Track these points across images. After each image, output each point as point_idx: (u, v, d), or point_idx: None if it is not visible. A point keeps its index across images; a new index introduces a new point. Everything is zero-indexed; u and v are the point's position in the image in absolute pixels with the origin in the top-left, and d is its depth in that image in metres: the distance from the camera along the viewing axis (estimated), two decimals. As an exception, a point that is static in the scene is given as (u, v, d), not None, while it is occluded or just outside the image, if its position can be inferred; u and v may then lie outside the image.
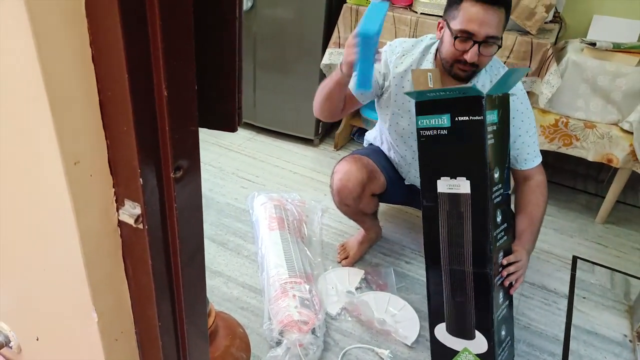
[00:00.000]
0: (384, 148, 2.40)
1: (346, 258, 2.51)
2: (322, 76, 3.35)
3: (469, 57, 1.87)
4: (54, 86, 0.61)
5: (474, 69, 1.93)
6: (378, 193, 2.34)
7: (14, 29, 0.58)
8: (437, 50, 2.03)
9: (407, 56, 2.07)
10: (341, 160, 2.28)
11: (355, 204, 2.25)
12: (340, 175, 2.21)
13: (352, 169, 2.20)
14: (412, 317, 2.22)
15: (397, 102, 2.12)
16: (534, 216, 2.03)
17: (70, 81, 0.63)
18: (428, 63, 2.03)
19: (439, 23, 1.96)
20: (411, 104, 2.06)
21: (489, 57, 1.92)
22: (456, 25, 1.85)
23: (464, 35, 1.85)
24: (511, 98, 1.91)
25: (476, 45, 1.84)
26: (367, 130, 2.62)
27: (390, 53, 2.08)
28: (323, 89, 2.06)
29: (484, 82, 2.02)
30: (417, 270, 2.52)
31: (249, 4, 3.26)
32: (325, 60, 3.22)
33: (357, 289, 2.34)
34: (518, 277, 1.86)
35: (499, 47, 1.90)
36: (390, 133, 2.24)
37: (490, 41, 1.85)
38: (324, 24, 3.19)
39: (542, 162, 2.09)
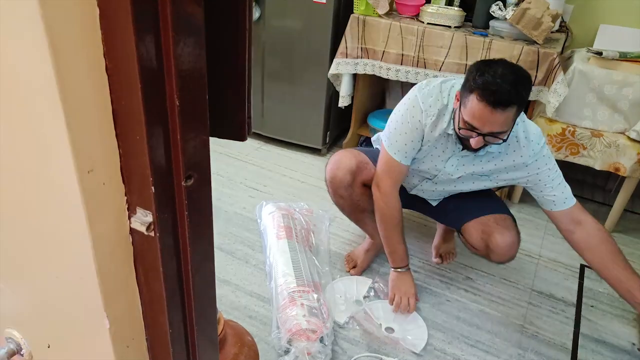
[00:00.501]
0: None
1: (354, 267, 2.52)
2: (330, 86, 3.37)
3: (473, 144, 1.88)
4: (69, 96, 0.62)
5: (484, 147, 1.94)
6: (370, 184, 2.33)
7: (30, 39, 0.59)
8: None
9: (440, 121, 2.02)
10: (335, 153, 2.36)
11: (348, 194, 2.28)
12: (331, 165, 2.29)
13: (342, 158, 2.27)
14: (420, 325, 2.22)
15: (425, 157, 2.15)
16: (623, 263, 2.03)
17: (84, 91, 0.64)
18: (449, 128, 2.02)
19: (457, 94, 1.92)
20: (439, 159, 2.12)
21: (498, 144, 1.92)
22: (464, 113, 1.84)
23: (467, 127, 1.85)
24: (531, 164, 2.02)
25: (480, 137, 1.85)
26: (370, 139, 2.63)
27: (425, 115, 2.01)
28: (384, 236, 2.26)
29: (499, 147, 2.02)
30: (425, 279, 2.53)
31: (257, 15, 3.28)
32: (333, 70, 3.23)
33: (365, 297, 2.34)
34: None
35: (505, 140, 1.89)
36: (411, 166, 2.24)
37: (496, 135, 1.84)
38: (331, 34, 3.20)
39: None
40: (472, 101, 1.78)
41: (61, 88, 0.61)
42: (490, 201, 2.34)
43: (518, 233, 2.20)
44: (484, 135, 1.84)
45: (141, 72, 0.63)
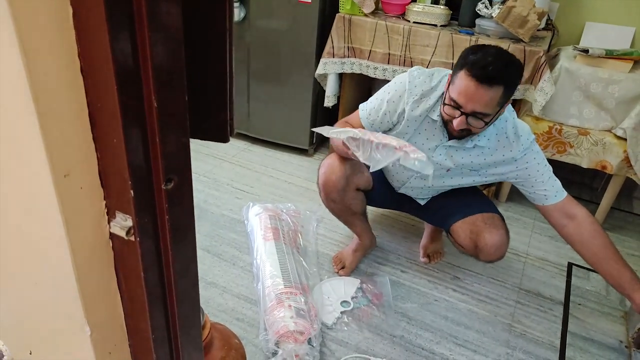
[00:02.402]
0: None
1: (343, 268, 2.51)
2: (316, 86, 3.36)
3: (454, 124, 1.89)
4: (42, 98, 0.61)
5: (464, 134, 1.96)
6: (363, 188, 2.34)
7: (0, 40, 0.58)
8: None
9: (424, 101, 2.05)
10: (327, 156, 2.32)
11: (340, 198, 2.26)
12: (324, 169, 2.26)
13: (335, 162, 2.23)
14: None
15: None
16: (615, 256, 2.04)
17: (58, 93, 0.62)
18: (435, 114, 2.05)
19: (449, 76, 1.94)
20: (425, 147, 2.12)
21: (479, 129, 1.93)
22: (451, 90, 1.86)
23: (452, 105, 1.87)
24: (520, 158, 2.03)
25: (463, 116, 1.86)
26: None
27: (409, 94, 2.06)
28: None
29: (489, 136, 2.03)
30: (413, 279, 2.52)
31: (242, 15, 3.27)
32: (320, 70, 3.22)
33: (352, 298, 2.33)
34: None
35: (488, 123, 1.90)
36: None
37: (478, 115, 1.85)
38: (316, 34, 3.19)
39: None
40: (460, 77, 1.81)
41: (34, 90, 0.59)
42: (478, 200, 2.34)
43: (507, 232, 2.20)
44: (467, 115, 1.85)
45: (117, 73, 0.61)
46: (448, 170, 2.15)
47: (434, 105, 2.03)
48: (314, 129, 2.04)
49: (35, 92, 0.60)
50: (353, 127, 2.15)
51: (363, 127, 2.17)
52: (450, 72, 1.98)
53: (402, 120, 2.09)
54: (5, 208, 0.76)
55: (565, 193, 2.09)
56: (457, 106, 1.85)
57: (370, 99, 2.20)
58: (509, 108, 2.04)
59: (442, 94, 2.00)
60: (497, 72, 1.75)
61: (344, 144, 1.90)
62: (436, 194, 2.38)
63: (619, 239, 3.03)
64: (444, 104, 1.90)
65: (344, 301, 2.31)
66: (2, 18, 0.55)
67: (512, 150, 2.03)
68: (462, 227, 2.22)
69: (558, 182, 2.10)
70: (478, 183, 2.23)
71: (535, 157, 2.06)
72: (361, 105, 2.23)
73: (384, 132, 2.18)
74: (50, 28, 0.59)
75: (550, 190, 2.07)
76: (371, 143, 1.83)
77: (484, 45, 1.86)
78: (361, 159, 1.87)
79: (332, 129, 1.96)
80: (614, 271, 2.02)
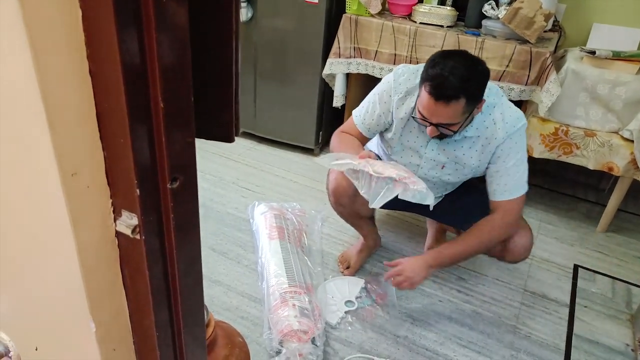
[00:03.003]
0: (383, 157, 2.41)
1: (348, 268, 2.51)
2: (323, 85, 3.36)
3: (428, 132, 1.92)
4: (51, 99, 0.61)
5: (444, 136, 1.97)
6: None
7: (10, 41, 0.58)
8: None
9: (408, 99, 2.06)
10: None
11: (350, 203, 2.26)
12: (335, 174, 2.25)
13: None
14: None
15: (402, 144, 2.17)
16: (469, 242, 2.10)
17: (67, 94, 0.63)
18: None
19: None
20: (417, 145, 2.12)
21: (455, 132, 1.93)
22: (418, 102, 1.89)
23: (419, 117, 1.90)
24: (504, 141, 1.98)
25: (432, 126, 1.88)
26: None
27: (394, 92, 2.06)
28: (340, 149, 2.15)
29: (478, 125, 2.01)
30: (418, 280, 2.52)
31: (249, 15, 3.28)
32: (327, 70, 3.23)
33: (357, 298, 2.34)
34: (400, 282, 2.08)
35: (455, 132, 1.91)
36: (390, 156, 2.25)
37: (445, 126, 1.87)
38: (323, 34, 3.20)
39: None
40: (422, 92, 1.84)
41: (43, 90, 0.60)
42: None
43: (531, 232, 2.21)
44: (434, 125, 1.87)
45: (124, 74, 0.62)
46: (443, 166, 2.15)
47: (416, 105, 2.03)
48: (315, 160, 2.04)
49: (44, 93, 0.60)
50: (350, 135, 2.19)
51: (360, 133, 2.19)
52: None
53: (392, 121, 2.11)
54: (13, 206, 0.77)
55: (512, 196, 2.07)
56: (423, 118, 1.88)
57: (362, 103, 2.22)
58: (497, 93, 2.02)
59: None
60: (452, 89, 1.75)
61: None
62: (445, 194, 2.38)
63: (626, 241, 3.03)
64: (413, 117, 1.93)
65: (348, 301, 2.31)
66: (13, 20, 0.56)
67: (496, 137, 1.99)
68: None
69: (518, 186, 2.07)
70: (475, 175, 2.21)
71: (512, 147, 2.01)
72: (354, 112, 2.24)
73: (382, 132, 2.20)
74: (60, 30, 0.60)
75: (499, 186, 2.08)
76: (370, 177, 1.85)
77: (444, 55, 1.84)
78: (361, 192, 1.89)
79: (334, 158, 1.95)
80: (453, 243, 2.15)
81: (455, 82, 1.74)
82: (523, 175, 2.07)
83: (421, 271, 2.07)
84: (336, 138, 2.23)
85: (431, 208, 1.97)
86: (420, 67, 2.04)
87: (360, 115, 2.19)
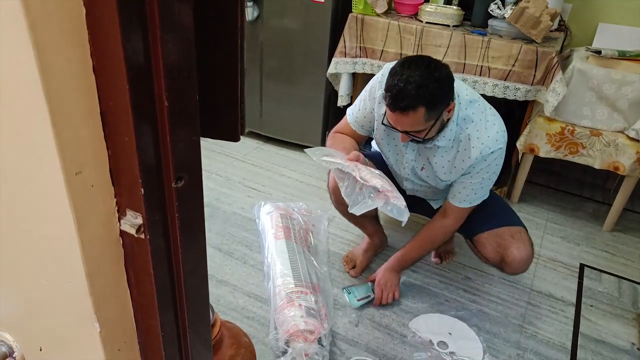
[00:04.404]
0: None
1: (353, 267, 2.51)
2: (328, 85, 3.36)
3: (400, 138, 1.93)
4: (55, 97, 0.61)
5: (419, 141, 1.95)
6: None
7: (14, 40, 0.58)
8: None
9: None
10: None
11: None
12: None
13: None
14: (472, 337, 2.21)
15: (389, 143, 2.19)
16: (422, 245, 2.26)
17: (71, 92, 0.63)
18: None
19: None
20: (400, 143, 2.11)
21: (426, 138, 1.93)
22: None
23: (388, 124, 1.91)
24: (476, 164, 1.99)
25: (403, 133, 1.88)
26: (372, 139, 2.63)
27: (379, 86, 2.05)
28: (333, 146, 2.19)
29: (450, 136, 1.99)
30: (424, 279, 2.52)
31: (255, 14, 3.28)
32: (332, 69, 3.23)
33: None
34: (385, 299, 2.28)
35: (422, 140, 1.92)
36: (382, 153, 2.27)
37: (412, 134, 1.87)
38: (329, 33, 3.20)
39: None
40: (384, 102, 1.86)
41: (46, 88, 0.60)
42: (502, 211, 2.31)
43: (532, 246, 2.20)
44: (401, 132, 1.88)
45: (129, 72, 0.62)
46: (422, 168, 2.15)
47: None
48: (305, 150, 2.04)
49: (48, 91, 0.60)
50: (345, 136, 2.20)
51: (354, 131, 2.21)
52: None
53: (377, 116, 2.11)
54: (17, 205, 0.77)
55: (469, 205, 2.12)
56: (390, 125, 1.89)
57: (355, 101, 2.22)
58: (479, 108, 1.98)
59: None
60: (408, 99, 1.74)
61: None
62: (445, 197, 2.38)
63: (632, 240, 3.02)
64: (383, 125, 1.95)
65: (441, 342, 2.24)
66: (15, 18, 0.56)
67: (470, 156, 1.97)
68: (489, 240, 2.21)
69: (478, 198, 2.11)
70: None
71: (483, 168, 2.00)
72: (348, 110, 2.25)
73: (373, 130, 2.20)
74: (63, 28, 0.59)
75: (461, 194, 2.10)
76: (356, 182, 1.86)
77: (403, 64, 1.81)
78: (343, 194, 1.90)
79: (324, 153, 1.96)
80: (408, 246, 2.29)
81: (411, 91, 1.73)
82: (486, 190, 2.12)
83: (392, 278, 2.33)
84: (330, 139, 2.24)
85: (403, 225, 1.96)
86: None
87: (353, 113, 2.20)
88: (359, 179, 1.83)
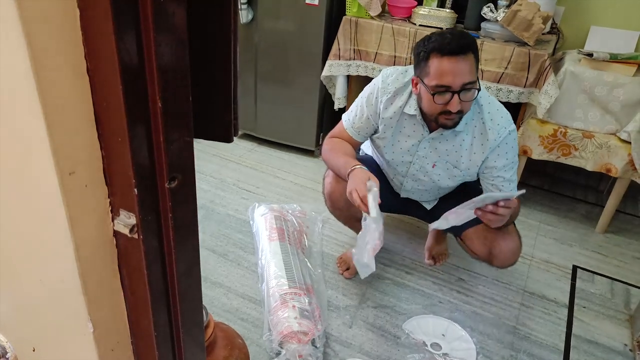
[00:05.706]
0: (376, 159, 2.41)
1: (347, 269, 2.51)
2: (322, 87, 3.37)
3: (453, 108, 1.87)
4: (49, 98, 0.62)
5: (461, 115, 1.93)
6: None
7: (8, 41, 0.59)
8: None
9: (397, 98, 2.06)
10: None
11: (347, 207, 2.23)
12: (331, 178, 2.25)
13: None
14: (466, 339, 2.21)
15: (394, 144, 2.17)
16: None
17: (65, 93, 0.63)
18: (411, 109, 2.04)
19: (413, 80, 1.96)
20: (408, 144, 2.13)
21: (471, 101, 1.91)
22: (431, 81, 1.86)
23: (441, 90, 1.86)
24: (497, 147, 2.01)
25: (456, 95, 1.85)
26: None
27: (382, 92, 2.07)
28: (332, 166, 2.19)
29: (467, 120, 2.01)
30: (418, 281, 2.52)
31: (250, 17, 3.28)
32: (326, 72, 3.23)
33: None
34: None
35: (479, 90, 1.89)
36: (382, 155, 2.25)
37: (468, 87, 1.85)
38: (323, 36, 3.20)
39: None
40: (433, 63, 1.84)
41: (40, 89, 0.60)
42: None
43: (520, 237, 2.19)
44: (458, 92, 1.85)
45: (122, 73, 0.62)
46: (434, 165, 2.14)
47: (408, 100, 2.04)
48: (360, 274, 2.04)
49: (42, 92, 0.61)
50: (342, 140, 2.22)
51: (351, 137, 2.20)
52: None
53: (380, 122, 2.11)
54: (10, 205, 0.77)
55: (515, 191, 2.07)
56: (446, 89, 1.85)
57: (351, 107, 2.22)
58: (485, 94, 2.03)
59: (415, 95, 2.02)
60: (463, 42, 1.80)
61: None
62: (439, 197, 2.38)
63: (624, 241, 3.03)
64: (433, 95, 1.87)
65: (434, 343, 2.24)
66: (10, 19, 0.56)
67: (488, 139, 2.00)
68: (476, 234, 2.21)
69: (513, 184, 2.12)
70: (466, 180, 2.22)
71: (507, 151, 2.04)
72: (343, 116, 2.25)
73: (371, 135, 2.22)
74: (58, 30, 0.60)
75: (507, 188, 2.09)
76: (366, 244, 1.91)
77: (430, 35, 1.89)
78: (353, 257, 1.98)
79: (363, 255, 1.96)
80: None
81: (460, 38, 1.81)
82: (515, 172, 2.13)
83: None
84: (328, 144, 2.23)
85: (362, 278, 1.99)
86: (409, 67, 2.07)
87: (350, 120, 2.20)
88: (370, 240, 1.90)
